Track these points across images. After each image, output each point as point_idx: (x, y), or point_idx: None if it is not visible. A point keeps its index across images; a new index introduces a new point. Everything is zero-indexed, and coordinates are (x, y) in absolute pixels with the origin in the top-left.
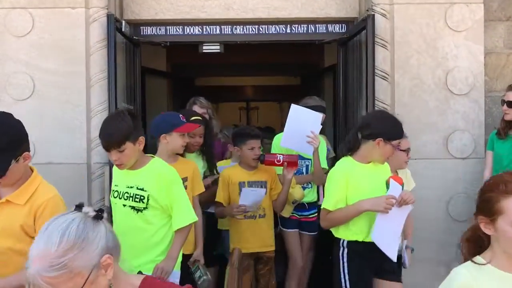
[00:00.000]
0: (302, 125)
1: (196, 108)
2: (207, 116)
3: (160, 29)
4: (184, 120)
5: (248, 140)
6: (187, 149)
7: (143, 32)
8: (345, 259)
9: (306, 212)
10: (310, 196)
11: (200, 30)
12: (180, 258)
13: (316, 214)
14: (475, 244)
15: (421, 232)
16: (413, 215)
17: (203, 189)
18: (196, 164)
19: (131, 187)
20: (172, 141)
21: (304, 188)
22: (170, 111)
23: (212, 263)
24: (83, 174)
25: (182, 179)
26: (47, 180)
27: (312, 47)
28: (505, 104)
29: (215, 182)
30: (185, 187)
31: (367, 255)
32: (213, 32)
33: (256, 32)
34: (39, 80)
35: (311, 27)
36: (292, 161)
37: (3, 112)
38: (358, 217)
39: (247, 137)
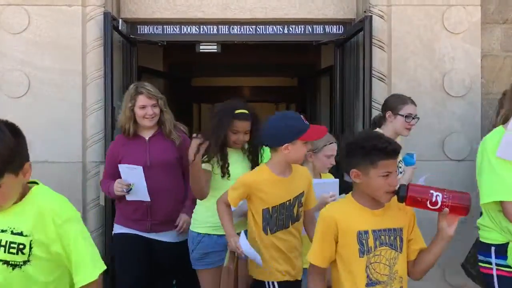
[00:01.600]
0: None
1: (142, 99)
2: (157, 110)
3: (157, 28)
4: (307, 122)
5: (381, 161)
6: (233, 144)
7: (140, 31)
8: None
9: None
10: None
11: (197, 29)
12: None
13: None
14: None
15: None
16: None
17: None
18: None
19: (1, 232)
20: (294, 151)
21: None
22: (287, 112)
23: None
24: (78, 173)
25: (299, 195)
26: (42, 179)
27: (309, 48)
28: None
29: None
30: (301, 204)
31: None
32: (210, 31)
33: (253, 32)
34: (35, 78)
35: (309, 28)
36: (462, 206)
37: None
38: None
39: (378, 155)
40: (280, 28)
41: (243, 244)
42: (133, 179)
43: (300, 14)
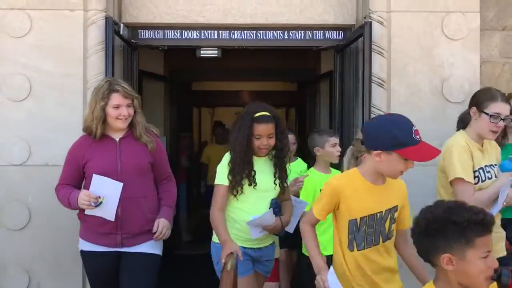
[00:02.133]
0: None
1: (117, 98)
2: (131, 110)
3: (158, 33)
4: (419, 137)
5: (479, 238)
6: (256, 153)
7: (141, 36)
8: None
9: None
10: None
11: (198, 34)
12: None
13: None
14: None
15: None
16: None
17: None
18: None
19: None
20: (387, 162)
21: None
22: (402, 117)
23: None
24: None
25: (392, 208)
26: (42, 182)
27: (309, 53)
28: None
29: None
30: (394, 220)
31: None
32: (211, 36)
33: (254, 37)
34: (36, 82)
35: (309, 34)
36: None
37: None
38: None
39: (475, 231)
40: (281, 34)
41: (332, 282)
42: (104, 193)
43: (300, 20)
